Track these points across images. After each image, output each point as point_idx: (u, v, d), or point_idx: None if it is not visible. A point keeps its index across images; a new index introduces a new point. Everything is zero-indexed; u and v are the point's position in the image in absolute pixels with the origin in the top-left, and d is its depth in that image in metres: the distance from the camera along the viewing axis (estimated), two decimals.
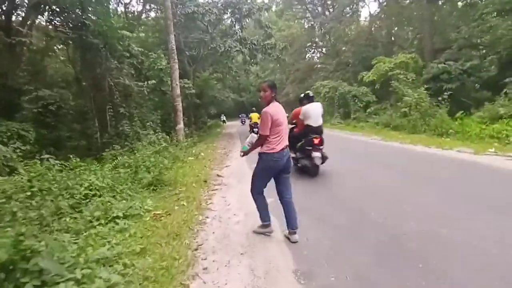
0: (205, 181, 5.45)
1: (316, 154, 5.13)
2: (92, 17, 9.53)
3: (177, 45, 14.46)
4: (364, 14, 32.81)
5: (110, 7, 12.68)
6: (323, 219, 3.43)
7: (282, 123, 2.77)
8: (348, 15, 26.74)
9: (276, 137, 2.74)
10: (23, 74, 11.32)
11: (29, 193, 3.42)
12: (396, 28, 24.60)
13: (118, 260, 2.43)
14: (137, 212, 3.57)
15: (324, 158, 5.28)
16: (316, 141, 5.21)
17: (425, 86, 12.03)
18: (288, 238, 2.90)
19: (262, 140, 2.77)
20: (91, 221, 3.20)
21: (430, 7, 17.74)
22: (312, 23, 30.58)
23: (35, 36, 10.68)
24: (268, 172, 2.86)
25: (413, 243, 2.70)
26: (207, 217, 3.65)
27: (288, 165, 2.90)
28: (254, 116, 14.11)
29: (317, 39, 31.54)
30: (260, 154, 2.85)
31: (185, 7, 14.95)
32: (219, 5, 16.80)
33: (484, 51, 14.38)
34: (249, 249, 2.79)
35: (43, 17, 10.96)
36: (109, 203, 3.60)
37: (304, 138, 5.37)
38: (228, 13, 17.11)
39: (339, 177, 5.39)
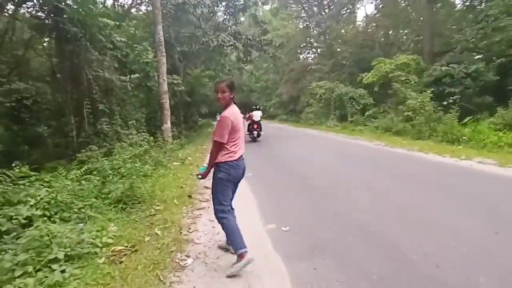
0: (190, 196, 4.42)
1: (255, 132, 12.13)
2: (68, 1, 8.47)
3: (168, 39, 13.43)
4: (361, 15, 32.34)
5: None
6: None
7: (241, 129, 2.58)
8: (345, 15, 26.26)
9: (234, 143, 2.51)
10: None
11: None
12: (391, 32, 24.23)
13: None
14: (88, 250, 2.52)
15: (259, 135, 12.31)
16: (255, 126, 12.11)
17: (427, 89, 11.44)
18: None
19: (218, 148, 2.46)
20: (12, 270, 2.04)
21: (430, 8, 17.25)
22: (307, 23, 30.08)
23: (3, 21, 9.44)
24: (229, 183, 2.53)
25: None
26: (188, 256, 2.66)
27: (243, 176, 2.64)
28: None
29: (312, 40, 30.94)
30: (217, 164, 2.50)
31: None
32: None
33: (484, 54, 13.94)
34: None
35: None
36: (48, 236, 2.40)
37: (251, 125, 12.07)
38: (222, 6, 16.13)
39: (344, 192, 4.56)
